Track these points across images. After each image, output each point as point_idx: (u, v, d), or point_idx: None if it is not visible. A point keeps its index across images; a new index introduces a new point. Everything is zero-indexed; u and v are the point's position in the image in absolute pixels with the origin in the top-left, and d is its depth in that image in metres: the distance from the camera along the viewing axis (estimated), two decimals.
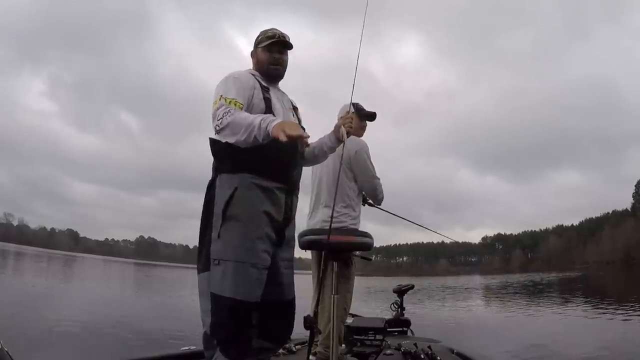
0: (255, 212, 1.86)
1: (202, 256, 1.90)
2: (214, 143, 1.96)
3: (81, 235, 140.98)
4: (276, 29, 2.12)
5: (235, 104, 1.87)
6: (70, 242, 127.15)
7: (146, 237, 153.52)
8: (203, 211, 1.95)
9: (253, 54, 2.16)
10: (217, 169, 1.95)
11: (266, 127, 1.72)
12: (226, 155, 1.91)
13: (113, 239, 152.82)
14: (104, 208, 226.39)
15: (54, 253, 76.60)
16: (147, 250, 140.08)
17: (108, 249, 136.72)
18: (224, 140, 1.83)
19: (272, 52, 2.09)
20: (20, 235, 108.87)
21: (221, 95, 1.89)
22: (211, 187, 1.95)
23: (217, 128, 1.82)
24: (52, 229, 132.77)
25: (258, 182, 1.90)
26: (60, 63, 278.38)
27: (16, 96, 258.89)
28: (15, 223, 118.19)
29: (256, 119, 1.75)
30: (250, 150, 1.83)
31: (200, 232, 1.94)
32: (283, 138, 1.64)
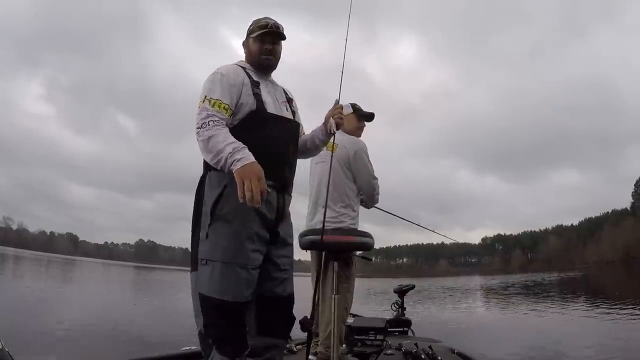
0: (245, 211, 1.77)
1: (192, 256, 1.89)
2: None
3: (80, 239, 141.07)
4: (269, 18, 2.05)
5: (219, 106, 1.84)
6: (69, 245, 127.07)
7: (145, 240, 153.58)
8: (193, 210, 1.92)
9: (245, 44, 2.09)
10: (207, 166, 1.90)
11: (231, 164, 1.71)
12: None
13: (112, 243, 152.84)
14: (102, 211, 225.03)
15: (53, 257, 76.55)
16: (146, 254, 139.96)
17: (107, 252, 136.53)
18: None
19: (265, 42, 2.01)
20: (19, 239, 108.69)
21: (205, 96, 1.86)
22: (201, 185, 1.92)
23: (196, 135, 1.80)
24: (52, 233, 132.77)
25: None
26: (56, 66, 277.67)
27: (13, 99, 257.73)
28: (14, 227, 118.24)
29: (226, 149, 1.72)
30: None
31: (191, 231, 1.91)
32: (240, 195, 1.65)
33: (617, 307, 11.63)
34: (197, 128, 1.80)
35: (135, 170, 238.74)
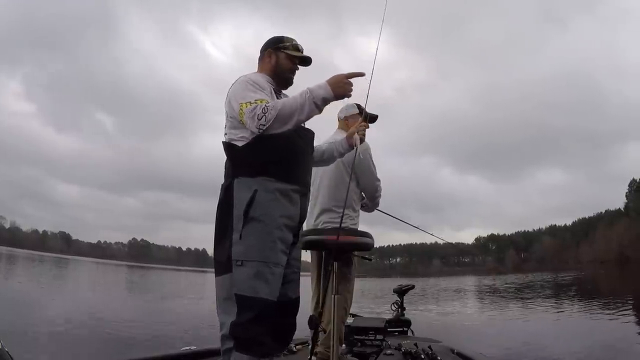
0: (275, 214, 1.89)
1: (221, 258, 1.90)
2: (229, 147, 1.97)
3: (73, 237, 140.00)
4: (296, 41, 2.19)
5: (262, 101, 1.86)
6: (62, 244, 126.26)
7: (139, 239, 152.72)
8: (220, 214, 1.95)
9: (271, 55, 2.14)
10: (234, 173, 1.95)
11: (319, 97, 1.82)
12: (243, 159, 1.93)
13: (106, 242, 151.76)
14: (91, 209, 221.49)
15: (47, 256, 75.98)
16: (140, 253, 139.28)
17: (101, 251, 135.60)
18: (271, 132, 1.82)
19: (294, 62, 2.16)
20: (12, 237, 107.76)
21: (249, 102, 1.86)
22: (228, 190, 1.94)
23: (263, 127, 1.80)
24: (44, 232, 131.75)
25: (276, 184, 1.92)
26: (34, 63, 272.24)
27: None
28: (7, 225, 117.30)
29: (300, 100, 1.81)
30: (267, 154, 1.89)
31: (216, 234, 1.94)
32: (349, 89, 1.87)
33: (611, 307, 11.71)
34: (258, 120, 1.79)
35: (117, 167, 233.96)
